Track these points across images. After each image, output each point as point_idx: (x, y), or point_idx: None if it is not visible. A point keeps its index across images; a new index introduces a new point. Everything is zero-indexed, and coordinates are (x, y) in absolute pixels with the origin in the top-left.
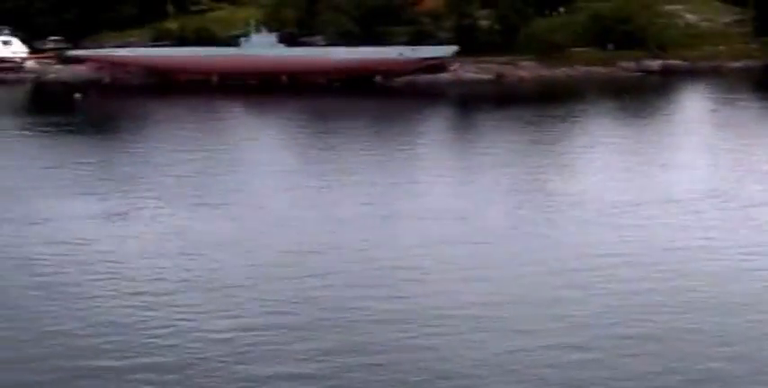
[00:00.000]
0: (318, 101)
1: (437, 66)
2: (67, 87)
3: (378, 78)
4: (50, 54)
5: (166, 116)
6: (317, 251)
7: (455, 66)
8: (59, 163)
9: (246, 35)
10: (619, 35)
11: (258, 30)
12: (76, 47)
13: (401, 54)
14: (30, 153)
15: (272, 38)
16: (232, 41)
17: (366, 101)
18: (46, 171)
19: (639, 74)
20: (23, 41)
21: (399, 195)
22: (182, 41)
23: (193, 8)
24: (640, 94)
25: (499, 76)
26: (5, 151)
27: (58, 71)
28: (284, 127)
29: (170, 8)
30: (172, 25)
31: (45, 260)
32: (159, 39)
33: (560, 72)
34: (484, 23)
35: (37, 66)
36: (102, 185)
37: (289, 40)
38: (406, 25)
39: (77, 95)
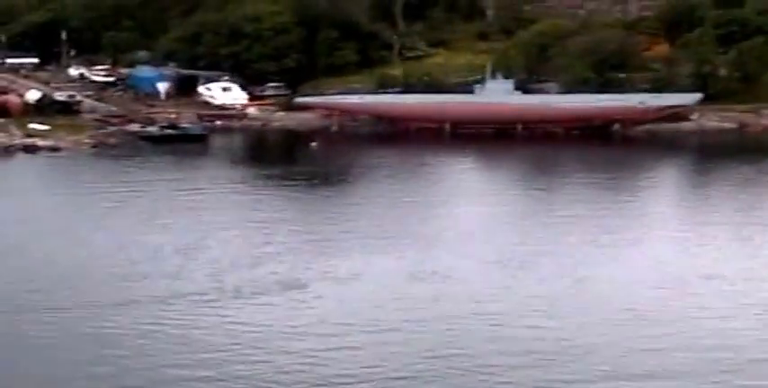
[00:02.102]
0: (555, 151)
1: (678, 114)
2: (294, 135)
3: (616, 127)
4: (272, 101)
5: (404, 165)
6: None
7: (696, 114)
8: (327, 217)
9: (481, 81)
10: None
11: (494, 77)
12: (295, 93)
13: (641, 102)
14: (290, 206)
15: (508, 84)
16: (465, 88)
17: (604, 151)
18: (323, 226)
19: None
20: (242, 88)
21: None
22: (407, 88)
23: (409, 54)
24: None
25: (743, 126)
26: (262, 205)
27: (281, 118)
28: (524, 177)
29: (394, 54)
30: (395, 71)
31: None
32: (383, 86)
33: None
34: (721, 70)
35: (258, 112)
36: (392, 240)
37: (524, 87)
38: (638, 72)
39: (313, 144)
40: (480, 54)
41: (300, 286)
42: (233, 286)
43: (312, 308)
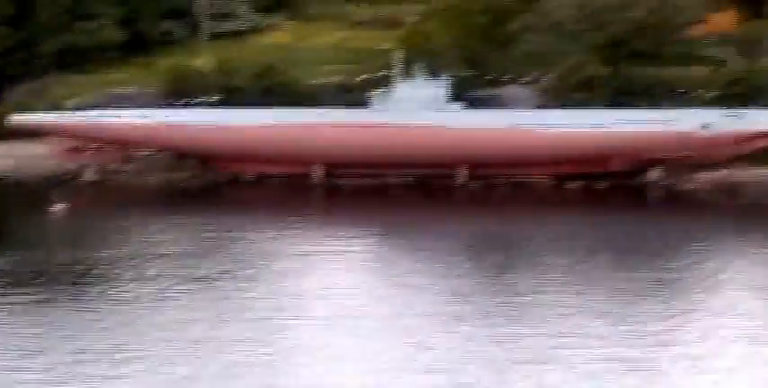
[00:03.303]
0: (537, 226)
1: None
2: (10, 189)
3: (656, 174)
4: None
5: (230, 255)
6: None
7: None
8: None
9: (384, 84)
10: None
11: (408, 75)
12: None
13: (706, 125)
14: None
15: (437, 90)
16: (351, 97)
17: (637, 226)
18: None
19: None
20: None
21: None
22: (232, 96)
23: (220, 29)
24: None
25: None
26: None
27: None
28: (483, 289)
29: (202, 28)
30: (201, 60)
31: None
32: (181, 92)
33: None
34: None
35: None
36: None
37: (467, 96)
38: (683, 64)
39: (57, 207)
40: (360, 28)
41: None
42: None
43: None
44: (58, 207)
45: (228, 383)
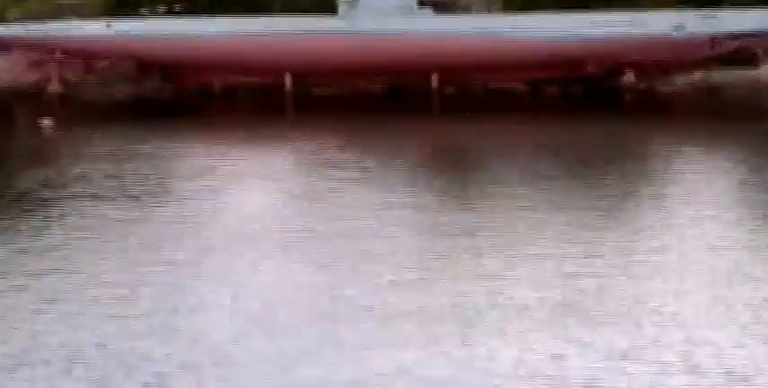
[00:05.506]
0: (514, 132)
1: (751, 50)
2: None
3: (629, 77)
4: None
5: (227, 172)
6: None
7: None
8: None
9: None
10: None
11: None
12: None
13: (679, 25)
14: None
15: None
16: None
17: (614, 131)
18: None
19: None
20: None
21: None
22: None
23: None
24: None
25: None
26: None
27: None
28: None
29: None
30: None
31: None
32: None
33: None
34: None
35: None
36: None
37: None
38: None
39: (46, 122)
40: None
41: None
42: None
43: None
44: (48, 122)
45: None
